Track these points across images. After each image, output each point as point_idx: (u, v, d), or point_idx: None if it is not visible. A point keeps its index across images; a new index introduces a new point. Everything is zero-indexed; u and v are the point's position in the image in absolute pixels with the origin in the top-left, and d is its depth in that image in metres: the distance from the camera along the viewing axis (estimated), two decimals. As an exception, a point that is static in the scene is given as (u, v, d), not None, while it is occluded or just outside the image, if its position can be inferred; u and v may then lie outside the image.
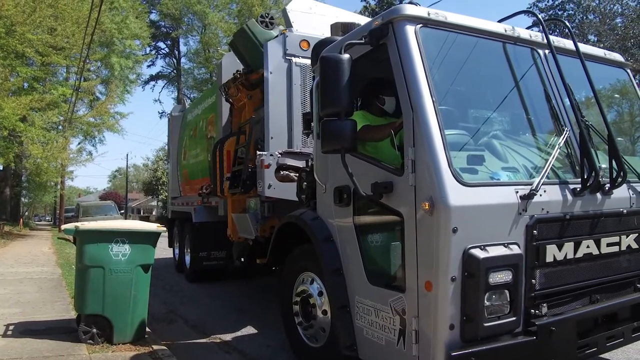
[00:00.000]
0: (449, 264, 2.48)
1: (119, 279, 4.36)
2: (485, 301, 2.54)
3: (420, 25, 2.89)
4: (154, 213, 48.10)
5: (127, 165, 51.68)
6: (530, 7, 23.60)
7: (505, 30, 3.31)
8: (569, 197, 2.99)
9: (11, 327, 4.88)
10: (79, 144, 23.89)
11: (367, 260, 3.10)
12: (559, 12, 25.67)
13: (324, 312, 3.68)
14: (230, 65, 6.76)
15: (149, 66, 39.19)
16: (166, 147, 38.06)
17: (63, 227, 4.51)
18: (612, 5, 22.98)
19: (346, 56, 2.86)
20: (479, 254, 2.52)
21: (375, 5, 28.11)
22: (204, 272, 8.31)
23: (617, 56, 4.12)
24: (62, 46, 16.73)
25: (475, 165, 2.76)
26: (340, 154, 2.88)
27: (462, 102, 3.13)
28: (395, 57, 2.85)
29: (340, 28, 4.50)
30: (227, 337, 5.13)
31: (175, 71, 42.99)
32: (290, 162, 5.12)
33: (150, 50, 37.75)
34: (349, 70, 2.84)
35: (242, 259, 7.42)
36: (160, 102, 51.24)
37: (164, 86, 43.99)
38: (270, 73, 5.24)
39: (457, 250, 2.50)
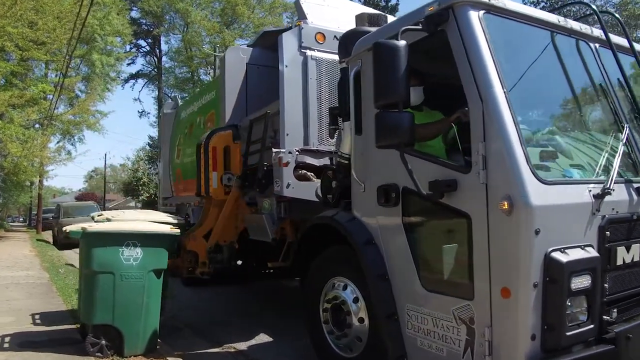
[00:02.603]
0: (531, 269, 2.27)
1: (130, 285, 4.03)
2: (567, 308, 2.34)
3: (483, 11, 2.67)
4: (132, 214, 46.99)
5: (105, 165, 50.44)
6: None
7: (559, 21, 3.13)
8: (635, 196, 2.81)
9: (7, 339, 4.49)
10: (57, 142, 23.05)
11: (422, 265, 2.86)
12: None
13: (361, 320, 3.44)
14: (235, 59, 6.46)
15: (129, 64, 38.19)
16: (147, 147, 37.26)
17: (68, 229, 4.13)
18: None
19: (403, 42, 2.62)
20: (561, 257, 2.32)
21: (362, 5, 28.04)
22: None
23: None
24: (43, 41, 16.04)
25: (547, 162, 2.57)
26: (398, 149, 2.63)
27: (524, 95, 2.92)
28: (458, 44, 2.63)
29: (366, 19, 4.29)
30: (241, 345, 4.83)
31: (155, 70, 42.06)
32: (309, 160, 4.86)
33: (131, 48, 36.85)
34: (407, 57, 2.61)
35: (232, 263, 7.25)
36: (140, 101, 50.16)
37: (144, 85, 42.84)
38: (286, 66, 4.96)
39: (539, 253, 2.29)
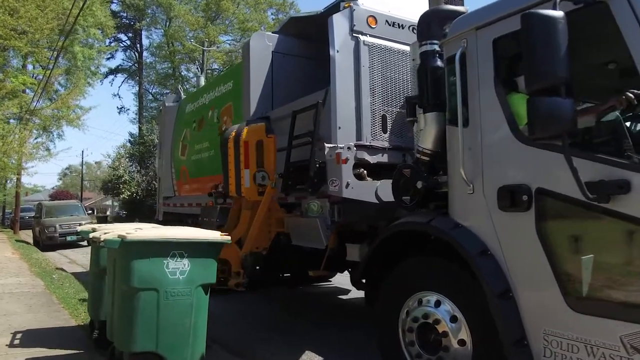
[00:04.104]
0: None
1: (176, 304, 3.43)
2: None
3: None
4: (108, 213, 45.56)
5: (82, 163, 48.82)
6: None
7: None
8: None
9: (22, 366, 3.84)
10: (35, 138, 21.86)
11: (569, 282, 2.39)
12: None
13: (461, 342, 2.94)
14: (260, 47, 5.87)
15: (107, 59, 36.69)
16: (127, 144, 35.85)
17: (103, 238, 3.51)
18: None
19: (562, 13, 2.15)
20: None
21: None
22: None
23: None
24: (24, 30, 15.03)
25: None
26: (561, 141, 2.15)
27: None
28: (630, 19, 2.16)
29: None
30: (292, 368, 4.29)
31: (136, 65, 40.71)
32: (366, 157, 4.36)
33: (110, 42, 35.47)
34: (567, 31, 2.13)
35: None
36: (119, 97, 48.46)
37: (123, 80, 41.43)
38: (337, 52, 4.41)
39: None
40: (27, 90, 18.56)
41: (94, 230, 4.17)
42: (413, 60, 3.92)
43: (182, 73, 38.97)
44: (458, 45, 2.96)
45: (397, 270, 3.39)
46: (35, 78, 17.74)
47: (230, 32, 37.66)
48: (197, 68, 32.15)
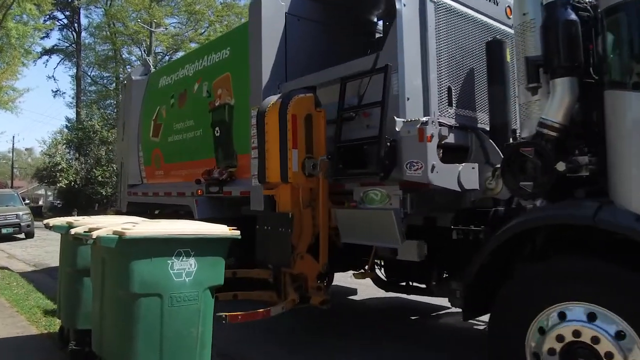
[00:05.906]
0: None
1: (182, 311, 2.92)
2: None
3: None
4: (40, 202, 42.57)
5: (13, 149, 45.21)
6: None
7: None
8: None
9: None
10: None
11: None
12: None
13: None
14: (272, 5, 4.96)
15: (43, 38, 33.75)
16: (65, 130, 33.39)
17: (95, 234, 2.92)
18: None
19: None
20: None
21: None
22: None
23: None
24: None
25: None
26: None
27: None
28: None
29: None
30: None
31: (73, 45, 37.93)
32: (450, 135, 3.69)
33: (46, 20, 32.68)
34: None
35: None
36: (54, 80, 45.00)
37: (59, 62, 38.40)
38: (404, 5, 3.76)
39: None
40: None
41: (70, 224, 3.54)
42: (524, 14, 3.25)
43: (123, 56, 36.77)
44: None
45: (522, 275, 2.89)
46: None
47: (176, 14, 35.94)
48: (143, 50, 30.32)
